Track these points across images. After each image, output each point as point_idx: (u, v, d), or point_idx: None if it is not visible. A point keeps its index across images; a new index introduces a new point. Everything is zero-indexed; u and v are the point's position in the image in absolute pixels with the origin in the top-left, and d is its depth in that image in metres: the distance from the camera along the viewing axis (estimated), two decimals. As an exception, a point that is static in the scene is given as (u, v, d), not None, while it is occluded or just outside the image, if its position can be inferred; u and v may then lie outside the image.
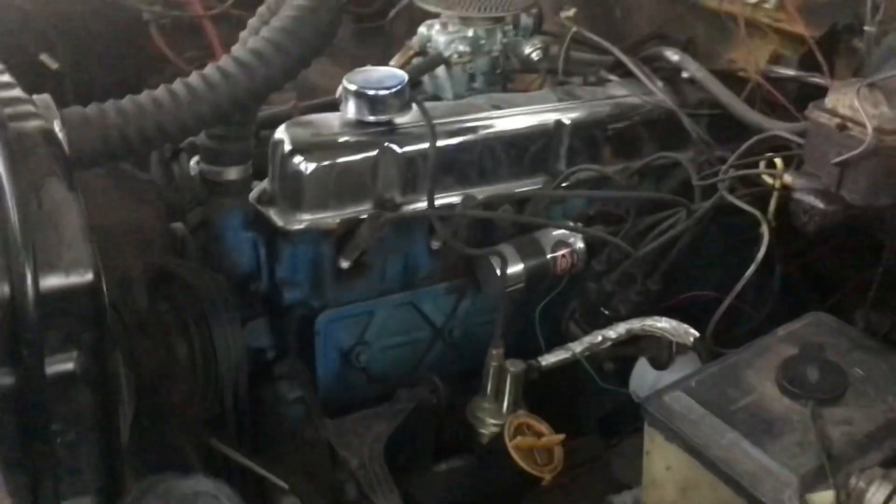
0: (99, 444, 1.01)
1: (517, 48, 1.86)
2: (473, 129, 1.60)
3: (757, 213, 1.40)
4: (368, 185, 1.50)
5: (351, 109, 1.51)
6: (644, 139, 1.78)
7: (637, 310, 1.59)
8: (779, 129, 1.44)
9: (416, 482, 1.35)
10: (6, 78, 1.09)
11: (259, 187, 1.53)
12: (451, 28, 1.82)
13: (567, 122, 1.67)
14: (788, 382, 1.14)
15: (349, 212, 1.49)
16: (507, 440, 1.28)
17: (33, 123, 0.98)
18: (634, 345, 1.60)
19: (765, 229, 1.39)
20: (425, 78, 1.88)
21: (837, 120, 1.13)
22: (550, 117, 1.67)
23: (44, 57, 1.91)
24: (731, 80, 1.81)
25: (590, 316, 1.62)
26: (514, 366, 1.50)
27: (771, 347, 1.22)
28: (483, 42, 1.82)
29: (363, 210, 1.50)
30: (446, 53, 1.81)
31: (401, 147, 1.51)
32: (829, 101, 1.15)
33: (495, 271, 1.55)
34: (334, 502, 1.34)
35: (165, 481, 0.85)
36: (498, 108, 1.67)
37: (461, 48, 1.81)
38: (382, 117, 1.51)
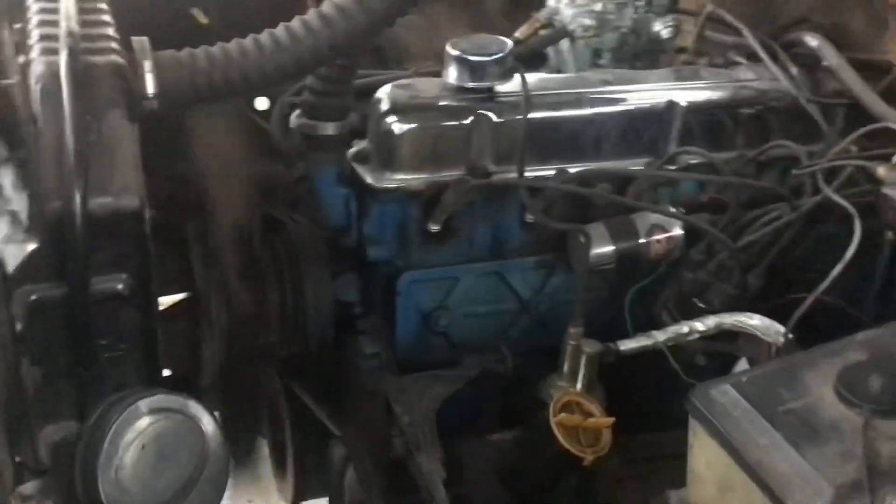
0: (143, 363, 1.07)
1: (647, 25, 1.80)
2: (577, 103, 1.57)
3: (851, 209, 1.30)
4: (461, 150, 1.50)
5: (452, 75, 1.51)
6: (771, 128, 1.68)
7: (733, 305, 1.51)
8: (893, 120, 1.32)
9: (464, 448, 1.35)
10: (105, 17, 1.17)
11: (358, 145, 1.57)
12: (579, 1, 1.79)
13: (682, 102, 1.60)
14: (846, 388, 1.05)
15: (439, 175, 1.50)
16: (550, 415, 1.26)
17: (107, 58, 1.05)
18: (732, 342, 1.52)
19: (857, 226, 1.28)
20: (550, 52, 1.86)
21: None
22: (663, 96, 1.61)
23: (195, 11, 2.01)
24: (879, 71, 1.69)
25: (682, 306, 1.55)
26: (590, 346, 1.47)
27: (841, 352, 1.13)
28: (611, 17, 1.77)
29: (454, 175, 1.50)
30: (571, 27, 1.78)
31: (497, 115, 1.50)
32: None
33: (585, 249, 1.52)
34: (382, 455, 1.36)
35: (135, 395, 0.90)
36: (608, 83, 1.62)
37: (586, 22, 1.77)
38: (482, 84, 1.51)
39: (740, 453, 1.04)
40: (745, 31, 1.69)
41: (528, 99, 1.48)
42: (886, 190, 1.10)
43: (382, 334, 1.56)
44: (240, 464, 1.87)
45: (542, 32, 1.84)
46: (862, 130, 1.38)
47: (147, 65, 1.17)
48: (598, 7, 1.77)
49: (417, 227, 1.52)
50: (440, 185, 1.49)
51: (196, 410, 0.90)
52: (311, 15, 1.29)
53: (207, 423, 0.90)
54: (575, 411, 1.28)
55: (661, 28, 1.79)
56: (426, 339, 1.58)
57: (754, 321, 1.45)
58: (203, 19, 2.06)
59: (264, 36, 1.28)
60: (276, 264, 1.60)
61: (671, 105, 1.60)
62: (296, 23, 1.29)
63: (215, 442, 0.90)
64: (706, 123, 1.63)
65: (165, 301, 1.87)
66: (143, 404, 0.88)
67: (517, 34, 1.84)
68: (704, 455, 1.11)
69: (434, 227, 1.52)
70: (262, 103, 1.88)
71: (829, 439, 1.01)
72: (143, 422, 0.87)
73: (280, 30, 1.29)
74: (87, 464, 0.86)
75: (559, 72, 1.82)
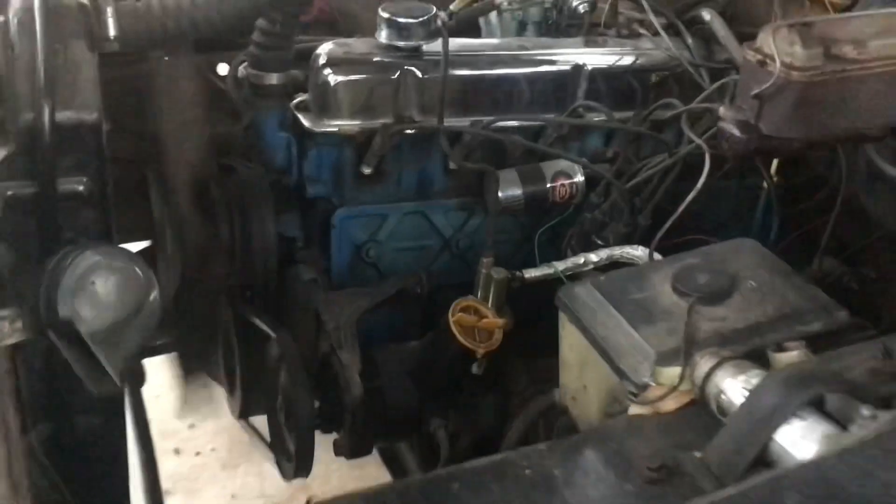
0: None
1: (567, 1, 2.02)
2: (493, 63, 1.79)
3: (701, 142, 1.53)
4: (389, 101, 1.72)
5: (383, 35, 1.73)
6: (670, 92, 1.90)
7: (625, 241, 1.73)
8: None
9: (380, 352, 1.56)
10: None
11: (301, 97, 1.79)
12: (506, -23, 2.01)
13: (587, 66, 1.82)
14: (679, 282, 1.27)
15: (370, 123, 1.72)
16: (449, 315, 1.47)
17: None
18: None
19: (707, 157, 1.50)
20: (482, 23, 2.08)
21: (759, 57, 1.25)
22: (571, 60, 1.83)
23: None
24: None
25: (583, 242, 1.78)
26: (498, 273, 1.68)
27: (684, 258, 1.35)
28: (534, -8, 2.00)
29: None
30: (498, 1, 2.00)
31: (422, 71, 1.72)
32: (758, 39, 1.27)
33: (495, 189, 1.74)
34: (311, 355, 1.57)
35: (89, 245, 1.10)
36: (524, 48, 1.84)
37: (512, -4, 1.99)
38: (409, 43, 1.73)
39: (591, 333, 1.26)
40: (646, 6, 1.91)
41: (447, 56, 1.69)
42: (722, 124, 1.31)
43: (319, 264, 1.78)
44: (193, 385, 2.06)
45: (475, 5, 2.06)
46: (723, 80, 1.61)
47: (109, 10, 1.39)
48: (523, -17, 1.99)
49: (351, 168, 1.74)
50: (371, 130, 1.71)
51: (136, 262, 1.12)
52: None
53: (145, 275, 1.12)
54: (472, 315, 1.50)
55: (579, 4, 2.01)
56: (358, 268, 1.80)
57: (638, 252, 1.68)
58: None
59: None
60: (226, 203, 1.81)
61: (577, 67, 1.82)
62: None
63: (151, 290, 1.12)
64: (607, 85, 1.86)
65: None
66: (94, 251, 1.10)
67: (451, 6, 2.05)
68: (568, 341, 1.33)
69: (366, 170, 1.74)
70: (223, 69, 2.08)
71: (661, 320, 1.24)
72: (94, 262, 1.08)
73: None
74: (50, 292, 1.07)
75: (489, 42, 2.04)
